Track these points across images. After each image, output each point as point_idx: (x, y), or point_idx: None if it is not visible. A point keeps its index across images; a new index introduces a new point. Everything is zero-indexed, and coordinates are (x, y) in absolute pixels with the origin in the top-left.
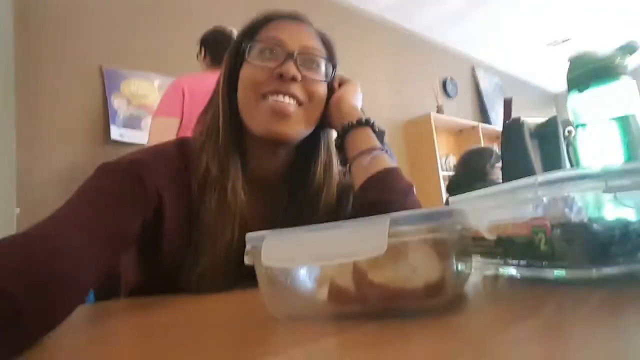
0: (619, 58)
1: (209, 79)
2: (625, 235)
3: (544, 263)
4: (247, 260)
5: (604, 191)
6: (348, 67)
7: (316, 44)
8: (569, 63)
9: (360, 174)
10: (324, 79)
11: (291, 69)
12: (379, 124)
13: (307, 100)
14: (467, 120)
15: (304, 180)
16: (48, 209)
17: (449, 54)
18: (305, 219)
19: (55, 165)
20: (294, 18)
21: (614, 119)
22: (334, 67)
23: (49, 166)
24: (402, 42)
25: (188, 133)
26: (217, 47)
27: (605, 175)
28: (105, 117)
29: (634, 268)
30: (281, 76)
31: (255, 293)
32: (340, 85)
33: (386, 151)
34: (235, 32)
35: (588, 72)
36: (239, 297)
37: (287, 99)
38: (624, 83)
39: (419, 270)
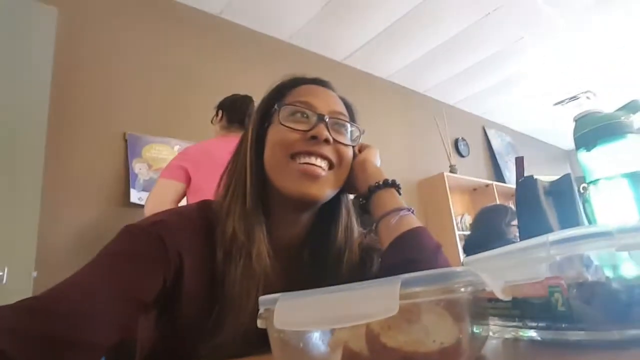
0: (622, 117)
1: (218, 145)
2: None
3: (563, 325)
4: (260, 323)
5: (617, 250)
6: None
7: (343, 109)
8: (574, 123)
9: (388, 234)
10: (351, 143)
11: (324, 131)
12: None
13: (337, 163)
14: (481, 179)
15: (325, 242)
16: (65, 273)
17: (459, 114)
18: (328, 282)
19: (75, 228)
20: (320, 83)
21: (624, 175)
22: (360, 132)
23: (68, 229)
24: (413, 104)
25: (194, 198)
26: (234, 109)
27: (617, 233)
28: (127, 181)
29: None
30: (314, 138)
31: (269, 357)
32: (360, 150)
33: (412, 212)
34: (253, 98)
35: (594, 131)
36: None
37: (318, 161)
38: (631, 141)
39: (433, 333)
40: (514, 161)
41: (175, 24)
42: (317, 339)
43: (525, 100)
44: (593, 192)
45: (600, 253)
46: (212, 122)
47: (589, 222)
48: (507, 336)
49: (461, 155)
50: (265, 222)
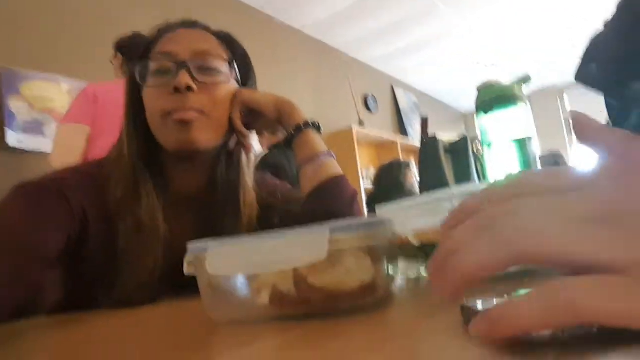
0: (516, 87)
1: (122, 89)
2: None
3: None
4: (187, 269)
5: None
6: (271, 80)
7: (211, 46)
8: (477, 91)
9: (307, 183)
10: (225, 79)
11: (184, 78)
12: None
13: (210, 107)
14: (387, 135)
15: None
16: None
17: (370, 71)
18: (228, 226)
19: None
20: (186, 25)
21: (513, 140)
22: (230, 61)
23: None
24: (325, 58)
25: (97, 144)
26: (135, 51)
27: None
28: (1, 121)
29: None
30: (176, 89)
31: (187, 302)
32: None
33: (332, 155)
34: None
35: (492, 98)
36: (171, 307)
37: (189, 113)
38: (521, 108)
39: (354, 273)
40: (418, 119)
41: None
42: (245, 283)
43: (431, 64)
44: (487, 153)
45: None
46: (110, 61)
47: (480, 178)
48: (411, 275)
49: (370, 111)
50: (160, 181)
